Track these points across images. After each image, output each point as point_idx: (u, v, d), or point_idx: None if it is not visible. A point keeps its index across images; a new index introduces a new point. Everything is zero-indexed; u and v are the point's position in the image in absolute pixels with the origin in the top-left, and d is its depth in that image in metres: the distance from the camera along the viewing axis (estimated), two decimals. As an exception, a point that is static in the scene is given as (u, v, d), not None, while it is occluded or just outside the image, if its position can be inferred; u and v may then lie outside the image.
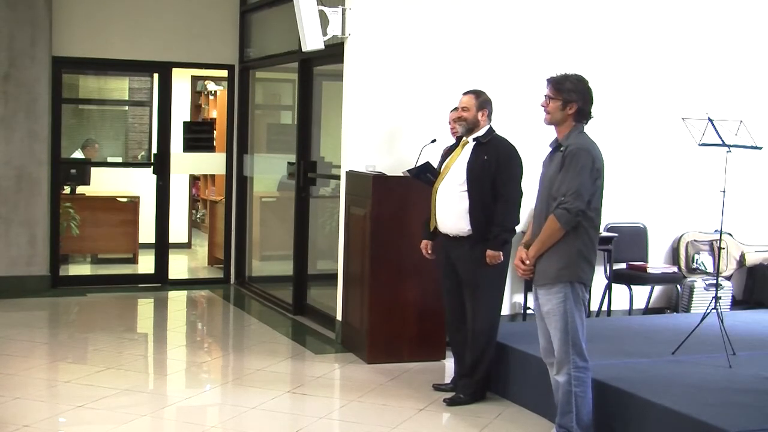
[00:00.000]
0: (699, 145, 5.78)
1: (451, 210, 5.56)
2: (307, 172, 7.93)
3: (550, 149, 4.76)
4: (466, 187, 5.49)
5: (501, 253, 5.46)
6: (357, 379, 6.07)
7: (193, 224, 12.58)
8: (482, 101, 5.61)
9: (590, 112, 4.66)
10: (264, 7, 8.93)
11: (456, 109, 5.81)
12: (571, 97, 4.59)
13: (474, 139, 5.59)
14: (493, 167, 5.47)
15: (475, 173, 5.48)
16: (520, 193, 5.55)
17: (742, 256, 7.89)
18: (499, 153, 5.51)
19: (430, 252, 5.83)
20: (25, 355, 6.47)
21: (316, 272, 8.24)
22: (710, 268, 7.66)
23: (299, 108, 8.06)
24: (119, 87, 11.63)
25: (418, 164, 6.03)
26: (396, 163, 6.63)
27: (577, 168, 4.48)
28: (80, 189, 10.04)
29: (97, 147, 10.70)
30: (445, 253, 5.71)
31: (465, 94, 5.68)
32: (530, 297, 5.58)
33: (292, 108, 8.90)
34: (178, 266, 10.35)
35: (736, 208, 7.30)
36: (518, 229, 5.66)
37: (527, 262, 4.66)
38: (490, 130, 5.61)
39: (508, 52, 7.02)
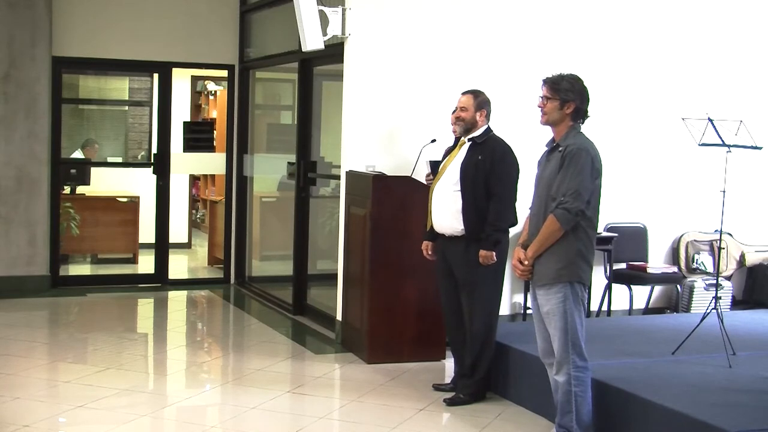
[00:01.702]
0: (699, 145, 5.78)
1: (446, 210, 5.57)
2: (307, 172, 7.93)
3: (546, 149, 4.77)
4: (459, 187, 5.50)
5: (494, 253, 5.45)
6: (357, 379, 6.07)
7: (193, 224, 12.58)
8: (480, 101, 5.61)
9: (587, 111, 4.67)
10: (264, 7, 8.93)
11: None
12: (568, 97, 4.59)
13: (470, 140, 5.59)
14: (488, 167, 5.46)
15: (468, 173, 5.48)
16: (514, 193, 5.54)
17: (742, 256, 7.89)
18: (493, 152, 5.50)
19: (430, 253, 5.82)
20: (25, 355, 6.47)
21: (316, 272, 8.24)
22: (710, 268, 7.66)
23: (299, 108, 8.06)
24: (119, 87, 11.63)
25: (417, 164, 6.03)
26: (396, 163, 6.64)
27: (577, 168, 4.48)
28: (80, 189, 10.04)
29: (97, 147, 10.71)
30: (442, 254, 5.71)
31: (464, 94, 5.68)
32: (529, 297, 5.58)
33: (292, 108, 8.90)
34: (178, 266, 10.35)
35: (736, 208, 7.30)
36: (516, 229, 5.66)
37: (525, 262, 4.66)
38: (488, 130, 5.61)
39: (508, 52, 7.03)
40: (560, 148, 4.58)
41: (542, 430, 5.12)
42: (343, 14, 6.68)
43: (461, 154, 5.59)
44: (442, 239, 5.67)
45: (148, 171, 9.56)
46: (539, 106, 4.67)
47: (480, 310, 5.57)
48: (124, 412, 5.23)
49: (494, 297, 5.66)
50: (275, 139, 9.72)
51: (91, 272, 10.17)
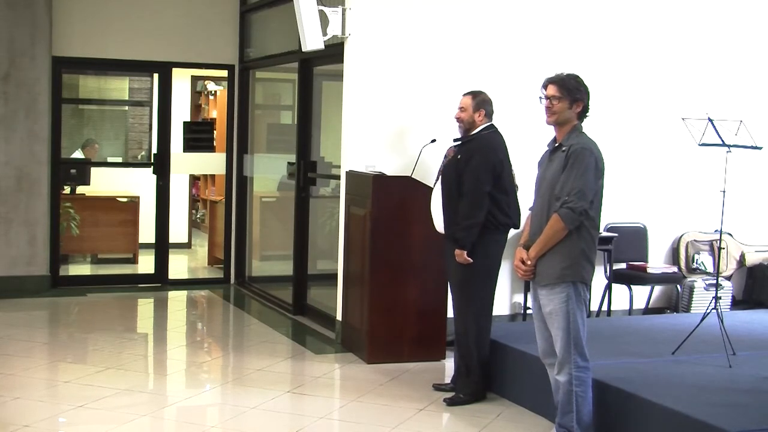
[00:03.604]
0: (699, 145, 5.78)
1: (437, 209, 5.66)
2: (307, 172, 7.93)
3: (548, 149, 4.76)
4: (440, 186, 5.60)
5: (464, 252, 5.42)
6: (357, 379, 6.07)
7: (193, 224, 12.58)
8: (479, 101, 5.61)
9: (588, 110, 4.68)
10: (264, 7, 8.93)
11: None
12: (577, 96, 4.59)
13: (455, 140, 5.66)
14: (461, 165, 5.48)
15: (448, 173, 5.55)
16: (480, 190, 5.41)
17: (742, 256, 7.89)
18: (469, 152, 5.50)
19: None
20: (25, 355, 6.47)
21: (316, 272, 8.24)
22: (710, 268, 7.66)
23: (299, 108, 8.06)
24: (119, 87, 11.63)
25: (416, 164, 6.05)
26: (396, 163, 6.64)
27: (581, 168, 4.47)
28: (80, 189, 10.04)
29: (97, 147, 10.71)
30: (444, 252, 5.76)
31: (464, 95, 5.70)
32: (529, 297, 5.60)
33: (292, 108, 8.90)
34: (178, 266, 10.35)
35: (736, 208, 7.30)
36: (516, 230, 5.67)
37: (528, 262, 4.66)
38: (484, 129, 5.59)
39: (508, 52, 7.03)
40: (563, 148, 4.57)
41: (542, 430, 5.12)
42: (343, 14, 6.68)
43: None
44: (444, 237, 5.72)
45: (148, 171, 9.56)
46: (547, 107, 4.65)
47: (467, 309, 5.57)
48: (124, 412, 5.23)
49: (484, 297, 5.63)
50: (275, 139, 9.72)
51: (91, 272, 10.17)
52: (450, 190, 5.51)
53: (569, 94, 4.59)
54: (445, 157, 5.93)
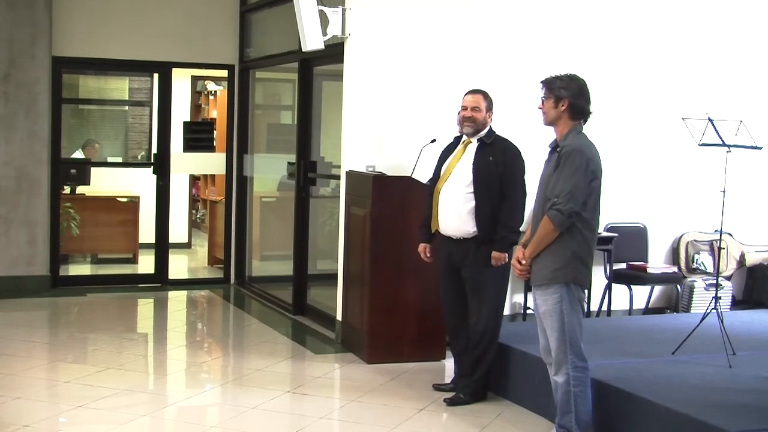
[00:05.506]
0: (699, 145, 5.79)
1: (456, 212, 5.52)
2: (307, 172, 7.93)
3: (549, 150, 4.77)
4: (472, 189, 5.47)
5: (506, 254, 5.46)
6: (357, 379, 6.08)
7: (193, 224, 12.58)
8: (490, 102, 5.62)
9: (587, 110, 4.66)
10: (264, 7, 8.94)
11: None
12: (561, 94, 4.62)
13: (478, 140, 5.58)
14: (500, 168, 5.46)
15: (482, 174, 5.46)
16: (524, 194, 5.55)
17: (742, 256, 7.89)
18: (504, 154, 5.51)
19: (428, 255, 5.81)
20: (25, 355, 6.47)
21: (316, 272, 8.24)
22: (710, 268, 7.66)
23: (299, 108, 8.06)
24: (119, 87, 11.63)
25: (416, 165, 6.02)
26: (396, 164, 6.64)
27: (572, 169, 4.49)
28: (80, 189, 10.05)
29: (97, 147, 10.71)
30: (446, 255, 5.67)
31: (472, 93, 5.62)
32: (530, 296, 5.62)
33: (292, 108, 8.91)
34: (178, 266, 10.35)
35: (736, 208, 7.30)
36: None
37: (523, 261, 4.67)
38: (491, 131, 5.61)
39: (509, 53, 7.03)
40: (559, 149, 4.60)
41: (542, 430, 5.12)
42: (343, 14, 6.68)
43: (469, 155, 5.56)
44: (447, 241, 5.63)
45: (148, 171, 9.56)
46: (539, 108, 4.70)
47: (487, 310, 5.57)
48: (124, 412, 5.24)
49: (501, 297, 5.68)
50: (275, 139, 9.72)
51: (91, 272, 10.17)
52: (490, 193, 5.45)
53: (552, 93, 4.63)
54: (441, 157, 5.84)
